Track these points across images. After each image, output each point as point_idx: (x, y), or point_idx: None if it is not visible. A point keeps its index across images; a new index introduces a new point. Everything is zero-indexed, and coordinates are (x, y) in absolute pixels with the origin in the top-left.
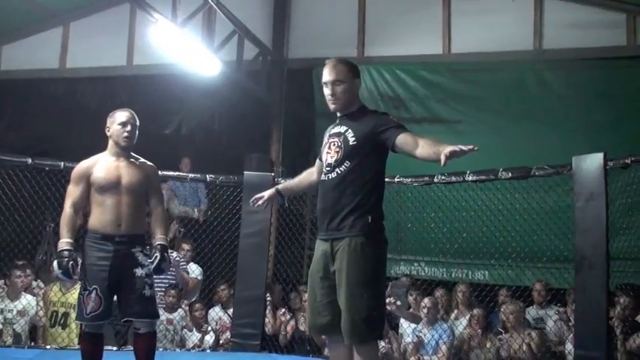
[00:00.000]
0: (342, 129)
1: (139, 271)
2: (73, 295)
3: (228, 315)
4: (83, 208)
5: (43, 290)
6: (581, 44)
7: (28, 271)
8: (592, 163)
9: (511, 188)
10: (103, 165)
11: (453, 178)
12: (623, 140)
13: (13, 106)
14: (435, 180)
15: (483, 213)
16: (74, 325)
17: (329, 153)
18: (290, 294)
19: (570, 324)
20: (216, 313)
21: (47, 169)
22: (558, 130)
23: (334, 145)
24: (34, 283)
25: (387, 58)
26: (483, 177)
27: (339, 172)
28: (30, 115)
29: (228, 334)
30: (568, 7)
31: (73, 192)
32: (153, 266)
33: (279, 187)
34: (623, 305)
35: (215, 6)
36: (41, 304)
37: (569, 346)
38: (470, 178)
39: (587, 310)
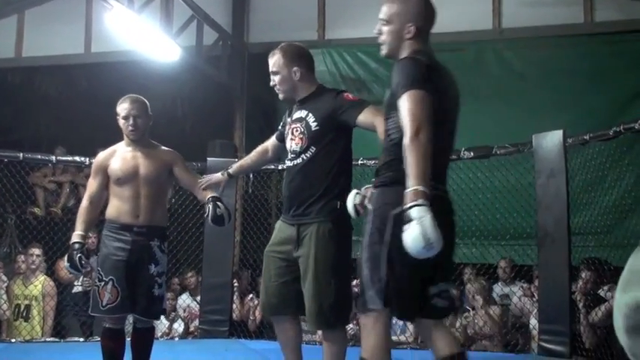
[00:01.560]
0: (303, 113)
1: (152, 268)
2: (37, 288)
3: (197, 302)
4: (102, 200)
5: (6, 284)
6: (539, 22)
7: None
8: (551, 140)
9: (473, 167)
10: (120, 156)
11: None
12: (583, 116)
13: None
14: None
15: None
16: (37, 318)
17: (293, 139)
18: (257, 279)
19: (534, 299)
20: (183, 300)
21: (6, 160)
22: (519, 108)
23: (297, 131)
24: None
25: (348, 40)
26: None
27: (305, 158)
28: None
29: (197, 322)
30: None
31: (91, 184)
32: (210, 217)
33: (231, 170)
34: (585, 279)
35: None
36: (5, 297)
37: (533, 321)
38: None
39: (551, 285)
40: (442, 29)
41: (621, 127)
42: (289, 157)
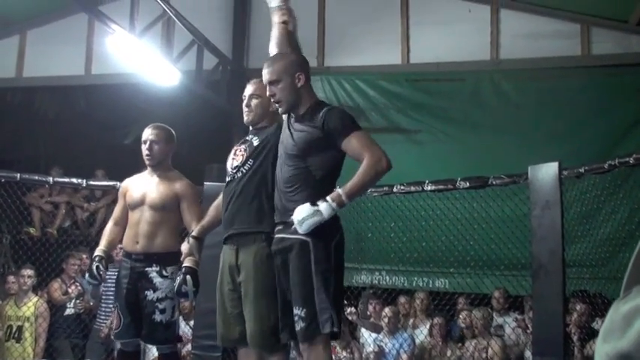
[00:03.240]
0: (249, 137)
1: (150, 294)
2: (30, 309)
3: (190, 327)
4: (125, 223)
5: None
6: (536, 54)
7: None
8: (547, 172)
9: (469, 197)
10: (138, 182)
11: (412, 188)
12: (579, 148)
13: None
14: (395, 190)
15: (442, 222)
16: (29, 340)
17: (234, 158)
18: None
19: (528, 331)
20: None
21: (3, 180)
22: (515, 139)
23: (240, 151)
24: None
25: (346, 68)
26: (442, 187)
27: (244, 171)
28: None
29: (189, 347)
30: (524, 18)
31: (116, 208)
32: (175, 289)
33: (194, 233)
34: (580, 312)
35: (174, 16)
36: None
37: (527, 353)
38: (429, 188)
39: (545, 317)
40: (441, 59)
41: (616, 161)
42: (229, 173)
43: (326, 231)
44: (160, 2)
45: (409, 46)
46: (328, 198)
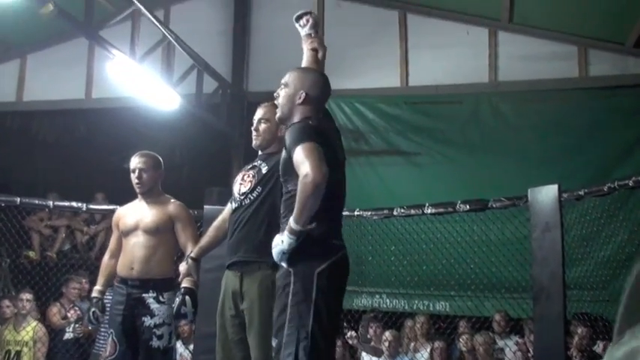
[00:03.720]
0: (258, 162)
1: (147, 321)
2: (28, 333)
3: (189, 351)
4: (120, 253)
5: None
6: (534, 76)
7: None
8: (547, 194)
9: (469, 220)
10: (129, 209)
11: (412, 211)
12: (577, 169)
13: None
14: (395, 213)
15: (443, 245)
16: None
17: (242, 184)
18: None
19: (529, 354)
20: (176, 349)
21: (3, 204)
22: (514, 161)
23: (248, 176)
24: None
25: (345, 91)
26: (442, 210)
27: (252, 198)
28: None
29: None
30: (521, 40)
31: (111, 239)
32: (174, 310)
33: (193, 254)
34: (581, 335)
35: (174, 41)
36: None
37: None
38: (429, 211)
39: (546, 340)
40: (439, 82)
41: (615, 184)
42: (237, 199)
43: (308, 258)
44: (160, 27)
45: (408, 69)
46: (285, 229)
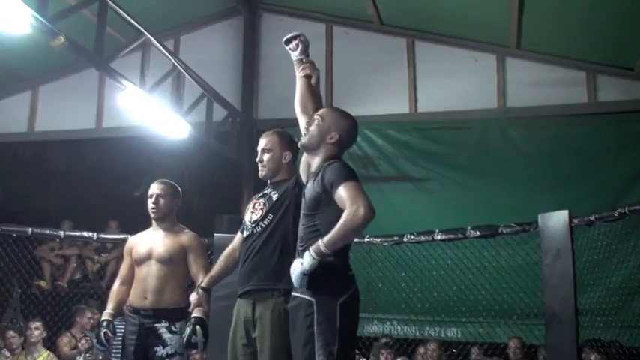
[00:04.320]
0: (268, 190)
1: (159, 350)
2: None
3: None
4: (131, 281)
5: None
6: (543, 102)
7: None
8: (557, 220)
9: (479, 246)
10: (143, 238)
11: (422, 237)
12: (586, 195)
13: None
14: (405, 239)
15: (453, 271)
16: None
17: (253, 212)
18: None
19: None
20: None
21: (15, 235)
22: (524, 186)
23: (259, 205)
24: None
25: (355, 118)
26: (452, 236)
27: (263, 225)
28: None
29: None
30: (529, 66)
31: (122, 267)
32: (185, 340)
33: (204, 284)
34: None
35: (183, 71)
36: None
37: None
38: (439, 237)
39: None
40: (448, 108)
41: (626, 209)
42: (248, 227)
43: (332, 290)
44: (170, 57)
45: (416, 96)
46: (310, 248)
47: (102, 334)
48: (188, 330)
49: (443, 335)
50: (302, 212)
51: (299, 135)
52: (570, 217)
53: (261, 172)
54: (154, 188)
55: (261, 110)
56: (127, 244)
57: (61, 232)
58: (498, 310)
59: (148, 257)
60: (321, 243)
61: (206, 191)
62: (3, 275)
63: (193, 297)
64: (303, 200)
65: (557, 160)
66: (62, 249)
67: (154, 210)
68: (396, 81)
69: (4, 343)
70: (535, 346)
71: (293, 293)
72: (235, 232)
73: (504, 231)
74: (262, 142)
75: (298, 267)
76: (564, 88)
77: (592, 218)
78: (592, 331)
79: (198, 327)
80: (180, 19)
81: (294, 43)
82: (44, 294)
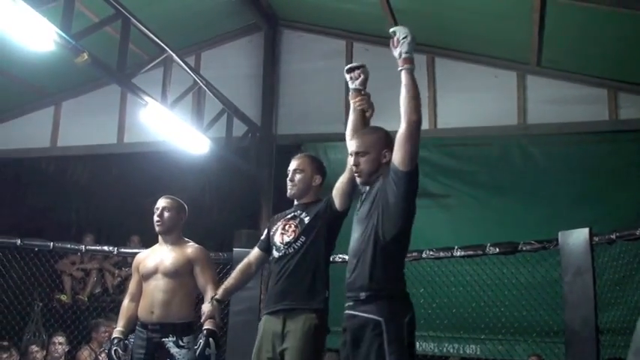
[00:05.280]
0: (298, 212)
1: None
2: None
3: None
4: (140, 296)
5: None
6: (563, 119)
7: (14, 352)
8: (578, 238)
9: (499, 263)
10: (149, 253)
11: (442, 254)
12: (607, 212)
13: (4, 184)
14: (424, 255)
15: (472, 288)
16: None
17: (284, 233)
18: None
19: None
20: None
21: (36, 249)
22: (544, 203)
23: (289, 226)
24: None
25: None
26: (471, 252)
27: (296, 247)
28: (21, 192)
29: None
30: (550, 84)
31: (131, 283)
32: (198, 352)
33: (217, 296)
34: None
35: (204, 86)
36: None
37: None
38: (458, 254)
39: None
40: (468, 124)
41: None
42: (280, 248)
43: (398, 310)
44: (191, 73)
45: (436, 112)
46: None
47: (112, 351)
48: (201, 342)
49: (462, 352)
50: (358, 227)
51: (319, 150)
52: (591, 235)
53: (290, 191)
54: (160, 202)
55: (280, 126)
56: (135, 261)
57: (82, 247)
58: (518, 327)
59: (154, 272)
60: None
61: (225, 206)
62: (25, 289)
63: (206, 307)
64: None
65: (578, 177)
66: (83, 263)
67: (159, 223)
68: None
69: (29, 359)
70: None
71: (351, 312)
72: (254, 247)
73: (524, 248)
74: (294, 163)
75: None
76: (585, 105)
77: (613, 236)
78: (613, 350)
79: (211, 340)
80: (202, 35)
81: (356, 72)
82: (65, 308)
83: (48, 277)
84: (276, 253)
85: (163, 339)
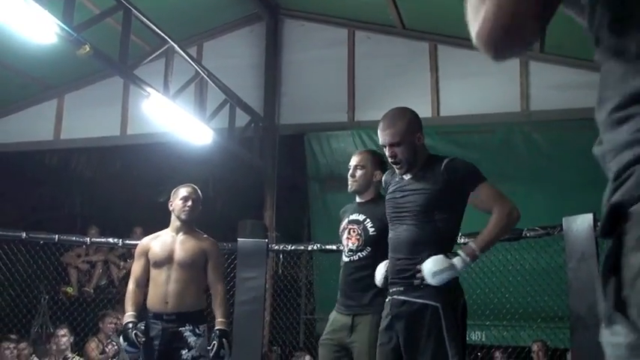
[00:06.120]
0: (361, 217)
1: (185, 353)
2: None
3: None
4: (147, 282)
5: None
6: (566, 105)
7: (23, 345)
8: (582, 223)
9: (503, 249)
10: (161, 240)
11: None
12: None
13: (8, 178)
14: None
15: (477, 274)
16: None
17: (349, 239)
18: (291, 359)
19: None
20: None
21: (42, 242)
22: (548, 189)
23: (354, 232)
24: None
25: (377, 122)
26: None
27: (361, 256)
28: (25, 185)
29: None
30: (552, 69)
31: (135, 268)
32: (212, 354)
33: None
34: None
35: (206, 77)
36: None
37: None
38: (462, 241)
39: None
40: (471, 111)
41: None
42: (347, 253)
43: (452, 295)
44: (193, 64)
45: (439, 99)
46: (461, 252)
47: (132, 335)
48: (215, 344)
49: (467, 339)
50: (408, 213)
51: (322, 139)
52: (595, 221)
53: (352, 187)
54: (189, 191)
55: (283, 115)
56: (142, 245)
57: (87, 239)
58: (522, 313)
59: (168, 261)
60: (476, 247)
61: (229, 196)
62: (31, 282)
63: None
64: (407, 201)
65: (581, 163)
66: (88, 255)
67: (189, 212)
68: (419, 85)
69: (44, 349)
70: (559, 349)
71: (401, 297)
72: (258, 237)
73: (528, 234)
74: (356, 159)
75: (449, 269)
76: (588, 91)
77: None
78: None
79: (224, 340)
80: (203, 26)
81: None
82: (71, 300)
83: (54, 270)
84: (344, 256)
85: (180, 328)
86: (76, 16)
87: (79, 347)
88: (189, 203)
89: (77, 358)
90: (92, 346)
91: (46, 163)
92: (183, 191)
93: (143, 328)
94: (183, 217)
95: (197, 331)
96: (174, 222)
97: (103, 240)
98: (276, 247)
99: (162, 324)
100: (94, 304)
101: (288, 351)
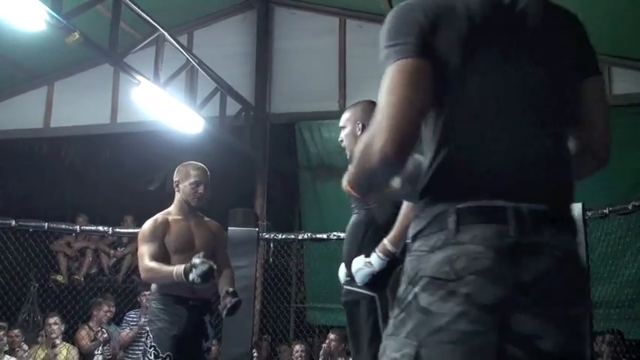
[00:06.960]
0: None
1: (204, 344)
2: (62, 355)
3: None
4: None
5: (26, 353)
6: None
7: (15, 332)
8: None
9: None
10: (175, 225)
11: None
12: (601, 188)
13: None
14: None
15: None
16: None
17: None
18: (277, 349)
19: None
20: None
21: (31, 230)
22: None
23: None
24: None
25: None
26: None
27: None
28: (14, 174)
29: None
30: None
31: (149, 249)
32: (225, 312)
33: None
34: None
35: (197, 65)
36: None
37: None
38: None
39: None
40: None
41: None
42: None
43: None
44: (183, 52)
45: None
46: (376, 249)
47: (207, 268)
48: (231, 299)
49: None
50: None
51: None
52: (584, 209)
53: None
54: (202, 175)
55: (274, 104)
56: (156, 228)
57: (77, 227)
58: None
59: (190, 247)
60: (387, 242)
61: (220, 185)
62: (20, 270)
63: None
64: None
65: None
66: (78, 241)
67: (200, 198)
68: None
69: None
70: None
71: (347, 287)
72: (249, 226)
73: None
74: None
75: (366, 267)
76: None
77: (606, 211)
78: (607, 323)
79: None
80: (194, 13)
81: None
82: (61, 288)
83: (43, 258)
84: None
85: (203, 317)
86: (65, 3)
87: (68, 335)
88: (201, 190)
89: (67, 345)
90: (82, 333)
91: (36, 151)
92: (194, 174)
93: (135, 316)
94: (193, 203)
95: (213, 321)
96: (182, 205)
97: (92, 228)
98: (267, 236)
99: (187, 310)
100: (84, 292)
101: (279, 340)
